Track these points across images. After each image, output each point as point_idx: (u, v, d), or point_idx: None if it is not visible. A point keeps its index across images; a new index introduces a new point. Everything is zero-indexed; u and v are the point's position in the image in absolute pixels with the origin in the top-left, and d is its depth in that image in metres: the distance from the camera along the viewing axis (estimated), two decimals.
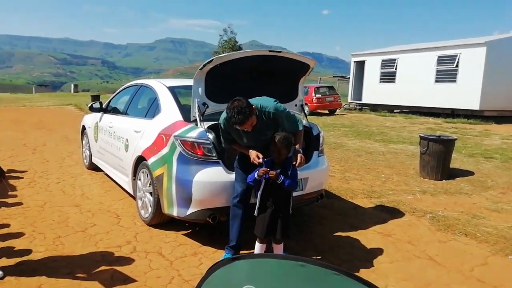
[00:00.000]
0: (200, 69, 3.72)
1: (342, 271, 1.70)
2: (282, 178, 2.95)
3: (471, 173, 6.75)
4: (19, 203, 4.68)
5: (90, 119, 6.50)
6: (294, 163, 3.05)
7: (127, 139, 4.70)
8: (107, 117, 5.67)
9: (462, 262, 3.48)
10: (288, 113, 3.25)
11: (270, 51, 3.82)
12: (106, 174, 5.85)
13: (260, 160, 3.03)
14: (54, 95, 39.51)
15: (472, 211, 4.81)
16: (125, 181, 4.82)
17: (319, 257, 3.51)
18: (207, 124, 3.75)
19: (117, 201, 4.91)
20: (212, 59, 3.66)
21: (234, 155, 3.88)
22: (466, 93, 15.67)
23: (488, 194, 5.59)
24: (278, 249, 3.12)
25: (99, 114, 5.99)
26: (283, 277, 1.79)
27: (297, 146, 3.20)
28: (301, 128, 3.32)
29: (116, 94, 6.07)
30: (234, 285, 1.82)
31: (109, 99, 6.06)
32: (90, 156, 6.39)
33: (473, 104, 15.53)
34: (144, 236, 3.84)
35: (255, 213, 3.06)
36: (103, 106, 5.94)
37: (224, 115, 3.15)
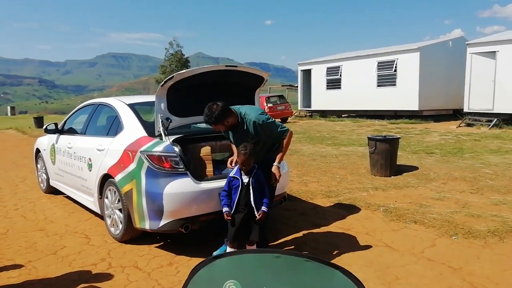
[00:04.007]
0: (161, 86, 3.89)
1: (312, 258, 1.99)
2: (262, 209, 3.26)
3: (415, 168, 7.38)
4: None
5: (44, 142, 6.36)
6: (272, 182, 3.49)
7: (89, 158, 4.71)
8: (65, 138, 5.61)
9: (413, 245, 3.88)
10: (271, 123, 3.52)
11: (227, 66, 4.08)
12: (67, 196, 5.77)
13: (233, 165, 3.44)
14: None
15: (419, 201, 5.31)
16: (90, 201, 4.81)
17: None
18: (172, 137, 3.92)
19: (83, 222, 4.88)
20: (173, 76, 3.85)
21: (200, 166, 4.08)
22: (405, 95, 16.86)
23: (431, 185, 6.17)
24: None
25: (54, 136, 5.90)
26: (262, 269, 2.03)
27: (277, 160, 3.55)
28: (285, 135, 3.58)
29: (72, 115, 6.02)
30: (218, 282, 2.02)
31: (64, 120, 5.99)
32: (48, 179, 6.25)
33: (413, 105, 16.74)
34: (118, 252, 3.90)
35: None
36: (58, 127, 5.87)
37: None
